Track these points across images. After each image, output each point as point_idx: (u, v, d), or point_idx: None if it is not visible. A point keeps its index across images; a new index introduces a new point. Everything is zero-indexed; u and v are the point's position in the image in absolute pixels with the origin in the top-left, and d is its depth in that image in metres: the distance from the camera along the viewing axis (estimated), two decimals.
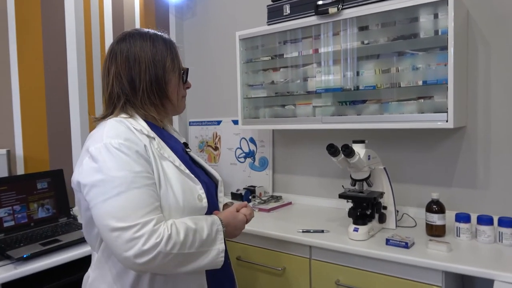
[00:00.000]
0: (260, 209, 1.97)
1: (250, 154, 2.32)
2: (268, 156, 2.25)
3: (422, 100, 1.53)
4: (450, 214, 1.55)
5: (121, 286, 0.93)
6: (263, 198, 2.08)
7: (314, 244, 1.50)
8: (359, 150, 1.48)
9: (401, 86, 1.56)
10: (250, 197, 2.09)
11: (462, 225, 1.45)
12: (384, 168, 1.60)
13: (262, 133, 2.26)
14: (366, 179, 1.53)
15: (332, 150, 1.41)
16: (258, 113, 2.00)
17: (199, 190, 0.97)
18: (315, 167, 2.08)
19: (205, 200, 0.97)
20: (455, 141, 1.68)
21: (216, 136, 2.50)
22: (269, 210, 1.96)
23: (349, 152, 1.38)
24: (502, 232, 1.38)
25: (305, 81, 1.81)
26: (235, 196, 2.15)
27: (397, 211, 1.69)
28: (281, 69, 1.92)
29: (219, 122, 2.48)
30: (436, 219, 1.49)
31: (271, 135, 2.23)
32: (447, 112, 1.42)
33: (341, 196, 1.52)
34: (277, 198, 2.13)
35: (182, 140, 1.14)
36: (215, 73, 2.48)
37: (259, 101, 1.99)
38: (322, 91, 1.75)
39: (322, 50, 1.74)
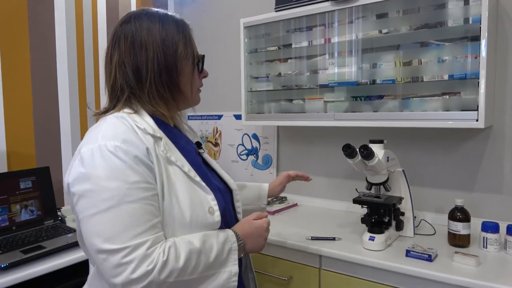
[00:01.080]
0: None
1: (253, 151, 2.18)
2: (272, 153, 2.10)
3: (447, 97, 1.38)
4: (474, 222, 1.41)
5: None
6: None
7: (324, 254, 1.36)
8: (378, 151, 1.33)
9: (424, 80, 1.41)
10: None
11: (489, 235, 1.31)
12: (403, 171, 1.46)
13: (266, 129, 2.11)
14: (384, 183, 1.39)
15: (349, 151, 1.26)
16: (263, 108, 1.85)
17: (211, 201, 0.84)
18: (323, 166, 1.94)
19: (217, 214, 0.84)
20: (480, 142, 1.53)
21: (217, 132, 2.35)
22: (273, 213, 1.82)
23: (368, 153, 1.23)
24: None
25: (316, 74, 1.66)
26: None
27: (415, 217, 1.55)
28: (289, 60, 1.76)
29: (220, 117, 2.33)
30: (460, 228, 1.35)
31: (276, 132, 2.08)
32: (477, 110, 1.27)
33: (356, 201, 1.38)
34: (282, 199, 1.98)
35: (196, 139, 0.99)
36: (217, 64, 2.32)
37: (264, 94, 1.84)
38: (335, 85, 1.60)
39: (335, 39, 1.59)
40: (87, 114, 1.92)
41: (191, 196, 0.80)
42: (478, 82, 1.27)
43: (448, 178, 1.61)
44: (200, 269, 0.77)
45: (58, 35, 1.83)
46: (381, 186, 1.41)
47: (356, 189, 1.48)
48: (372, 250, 1.33)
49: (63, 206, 1.83)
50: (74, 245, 1.37)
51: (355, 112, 1.55)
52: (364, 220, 1.41)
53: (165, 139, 0.83)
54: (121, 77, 0.82)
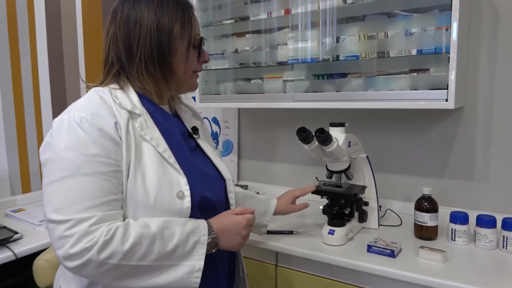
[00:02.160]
0: None
1: (213, 137, 2.01)
2: (233, 139, 1.94)
3: (416, 74, 1.24)
4: (442, 211, 1.29)
5: None
6: None
7: (280, 250, 1.22)
8: (338, 135, 1.19)
9: (390, 55, 1.26)
10: None
11: (458, 227, 1.20)
12: (367, 157, 1.33)
13: (227, 112, 1.94)
14: (345, 171, 1.25)
15: (304, 135, 1.11)
16: (219, 89, 1.67)
17: (183, 185, 0.79)
18: (287, 152, 1.79)
19: (188, 200, 0.79)
20: (450, 124, 1.41)
21: None
22: None
23: (324, 138, 1.08)
24: (507, 237, 1.13)
25: (275, 50, 1.49)
26: None
27: (380, 207, 1.43)
28: (247, 35, 1.58)
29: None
30: (427, 219, 1.23)
31: (237, 115, 1.92)
32: (447, 89, 1.13)
33: (315, 191, 1.24)
34: (243, 188, 1.83)
35: (193, 124, 0.95)
36: None
37: (220, 73, 1.66)
38: (294, 62, 1.44)
39: (297, 10, 1.41)
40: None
41: (159, 177, 0.77)
42: (449, 58, 1.13)
43: (416, 163, 1.49)
44: (153, 256, 0.73)
45: None
46: (342, 174, 1.27)
47: (316, 178, 1.34)
48: (332, 245, 1.19)
49: None
50: None
51: (316, 92, 1.40)
52: (324, 211, 1.27)
53: (145, 116, 0.81)
54: (113, 51, 0.83)
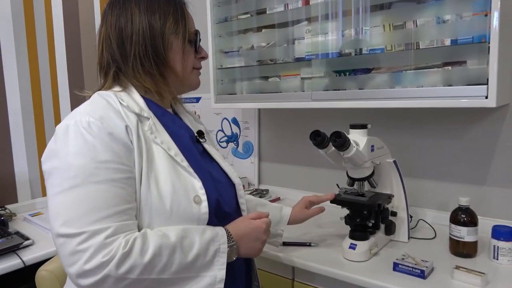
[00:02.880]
0: None
1: (233, 138, 1.92)
2: (253, 140, 1.84)
3: (450, 68, 1.09)
4: (483, 223, 1.13)
5: None
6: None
7: (297, 265, 1.12)
8: (359, 138, 1.06)
9: (420, 47, 1.12)
10: None
11: (502, 244, 1.04)
12: (394, 161, 1.18)
13: (246, 112, 1.85)
14: (368, 178, 1.11)
15: (318, 139, 0.99)
16: (235, 88, 1.58)
17: (199, 189, 0.74)
18: (308, 155, 1.67)
19: (205, 204, 0.74)
20: (492, 125, 1.23)
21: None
22: None
23: (341, 142, 0.96)
24: None
25: (293, 45, 1.38)
26: None
27: (411, 217, 1.28)
28: (264, 30, 1.48)
29: (198, 99, 2.07)
30: (464, 233, 1.08)
31: (257, 115, 1.82)
32: (487, 84, 0.97)
33: (334, 201, 1.12)
34: (263, 192, 1.73)
35: (197, 128, 0.91)
36: None
37: (236, 72, 1.57)
38: (312, 57, 1.31)
39: (316, 0, 1.29)
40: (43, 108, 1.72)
41: (174, 182, 0.72)
42: (489, 47, 0.97)
43: (452, 169, 1.32)
44: (174, 268, 0.67)
45: None
46: (366, 182, 1.14)
47: (337, 185, 1.22)
48: (354, 261, 1.07)
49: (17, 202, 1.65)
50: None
51: (337, 90, 1.27)
52: (346, 222, 1.15)
53: (153, 119, 0.78)
54: (107, 51, 0.80)
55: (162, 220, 0.71)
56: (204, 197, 0.74)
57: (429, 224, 1.33)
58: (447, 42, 1.06)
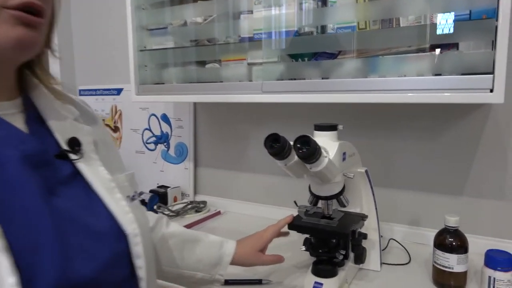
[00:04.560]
0: None
1: (163, 139, 1.57)
2: (187, 141, 1.51)
3: (439, 51, 0.85)
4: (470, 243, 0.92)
5: None
6: (172, 209, 1.35)
7: None
8: (328, 144, 0.78)
9: (401, 25, 0.87)
10: (155, 206, 1.35)
11: (499, 275, 0.82)
12: (366, 171, 0.93)
13: (180, 107, 1.51)
14: (337, 196, 0.84)
15: (277, 147, 0.70)
16: (163, 76, 1.23)
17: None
18: (258, 159, 1.37)
19: None
20: (477, 124, 1.03)
21: (116, 112, 1.71)
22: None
23: (310, 152, 0.66)
24: None
25: (237, 20, 1.07)
26: None
27: (381, 237, 1.05)
28: (199, 1, 1.15)
29: (119, 91, 1.68)
30: (454, 262, 0.85)
31: (192, 111, 1.49)
32: (492, 73, 0.75)
33: (292, 227, 0.83)
34: (199, 205, 1.41)
35: (72, 134, 0.54)
36: (109, 16, 1.66)
37: (164, 55, 1.22)
38: (262, 37, 1.01)
39: None
40: None
41: None
42: (496, 26, 0.74)
43: (426, 176, 1.11)
44: None
45: None
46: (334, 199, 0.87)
47: (294, 202, 0.94)
48: None
49: None
50: None
51: (294, 79, 0.98)
52: (310, 252, 0.87)
53: None
54: None
55: None
56: None
57: (401, 245, 1.10)
58: (437, 18, 0.82)
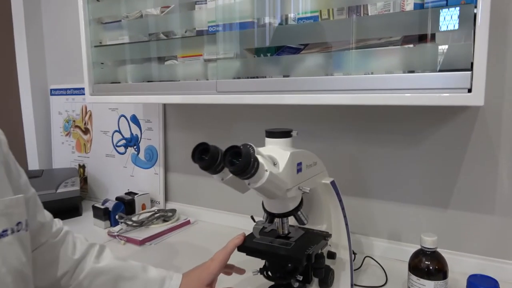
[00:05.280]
0: (129, 240, 1.15)
1: (133, 142, 1.47)
2: (157, 145, 1.40)
3: (412, 45, 0.73)
4: (449, 261, 0.80)
5: None
6: (138, 218, 1.25)
7: None
8: (278, 153, 0.66)
9: (370, 13, 0.75)
10: (116, 216, 1.24)
11: None
12: (332, 182, 0.81)
13: (149, 108, 1.40)
14: (293, 213, 0.73)
15: (206, 160, 0.58)
16: (117, 74, 1.13)
17: None
18: None
19: None
20: (464, 127, 0.91)
21: (86, 113, 1.61)
22: (143, 242, 1.14)
23: (240, 167, 0.55)
24: None
25: (191, 11, 0.95)
26: (97, 211, 1.30)
27: (354, 255, 0.93)
28: None
29: None
30: None
31: (161, 112, 1.38)
32: (470, 70, 0.62)
33: (241, 248, 0.72)
34: (168, 214, 1.30)
35: None
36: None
37: (121, 51, 1.11)
38: (216, 30, 0.90)
39: None
40: None
41: None
42: (474, 14, 0.61)
43: (409, 185, 0.98)
44: None
45: None
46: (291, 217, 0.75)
47: (251, 217, 0.83)
48: None
49: None
50: None
51: (252, 78, 0.87)
52: (262, 273, 0.76)
53: None
54: None
55: None
56: None
57: (377, 262, 0.98)
58: (409, 6, 0.70)
